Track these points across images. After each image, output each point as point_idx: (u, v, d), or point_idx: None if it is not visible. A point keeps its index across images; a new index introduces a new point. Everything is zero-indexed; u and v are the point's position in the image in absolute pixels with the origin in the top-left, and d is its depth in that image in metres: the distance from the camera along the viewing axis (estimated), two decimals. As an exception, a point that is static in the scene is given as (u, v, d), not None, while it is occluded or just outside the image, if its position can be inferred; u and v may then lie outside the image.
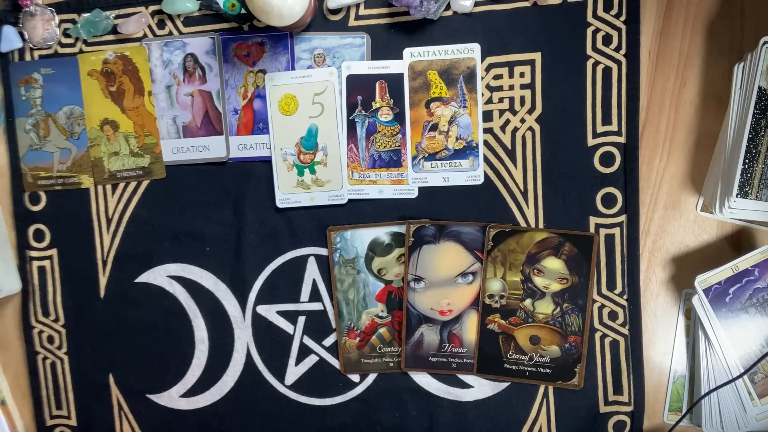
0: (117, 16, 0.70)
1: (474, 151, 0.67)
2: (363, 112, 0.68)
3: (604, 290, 0.67)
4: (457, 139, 0.67)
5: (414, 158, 0.68)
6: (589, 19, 0.65)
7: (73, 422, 0.75)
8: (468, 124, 0.67)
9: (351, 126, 0.68)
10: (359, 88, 0.68)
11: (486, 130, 0.67)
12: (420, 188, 0.68)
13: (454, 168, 0.67)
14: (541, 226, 0.67)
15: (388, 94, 0.67)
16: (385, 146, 0.68)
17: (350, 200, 0.69)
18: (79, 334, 0.74)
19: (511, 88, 0.66)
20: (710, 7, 0.65)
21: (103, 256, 0.73)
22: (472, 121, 0.67)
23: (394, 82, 0.67)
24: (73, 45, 0.72)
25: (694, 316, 0.65)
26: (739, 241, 0.66)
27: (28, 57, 0.72)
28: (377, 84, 0.67)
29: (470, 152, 0.67)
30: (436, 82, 0.66)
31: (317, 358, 0.72)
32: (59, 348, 0.75)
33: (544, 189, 0.67)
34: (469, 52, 0.66)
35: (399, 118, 0.68)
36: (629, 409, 0.68)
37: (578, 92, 0.66)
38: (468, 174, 0.67)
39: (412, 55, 0.67)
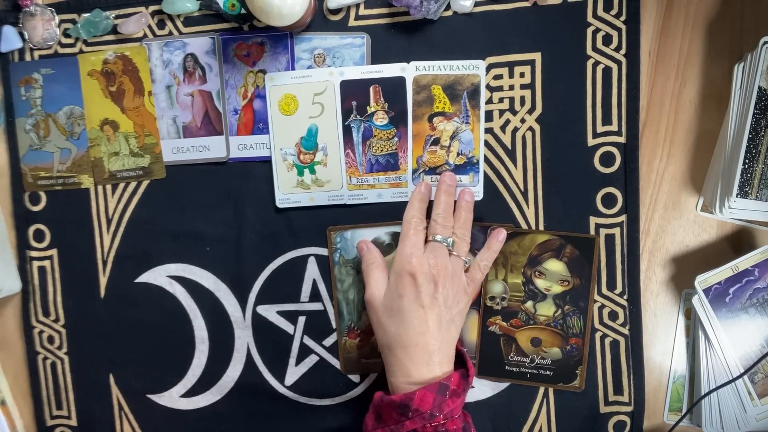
0: (117, 16, 0.70)
1: (475, 167, 0.67)
2: (358, 117, 0.68)
3: (604, 290, 0.67)
4: (458, 154, 0.67)
5: (414, 171, 0.68)
6: (589, 19, 0.65)
7: (74, 422, 0.75)
8: (470, 140, 0.67)
9: (347, 131, 0.68)
10: (353, 94, 0.68)
11: (486, 130, 0.67)
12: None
13: None
14: (541, 225, 0.67)
15: (382, 98, 0.67)
16: (381, 150, 0.68)
17: (350, 201, 0.70)
18: (79, 334, 0.74)
19: (511, 88, 0.66)
20: (710, 7, 0.65)
21: (103, 256, 0.73)
22: (474, 137, 0.67)
23: (387, 86, 0.67)
24: (73, 45, 0.72)
25: (694, 316, 0.65)
26: (739, 241, 0.66)
27: (28, 57, 0.72)
28: (371, 88, 0.67)
29: (471, 168, 0.67)
30: (440, 97, 0.67)
31: (317, 358, 0.72)
32: (59, 348, 0.75)
33: (544, 189, 0.67)
34: (474, 69, 0.66)
35: (394, 121, 0.68)
36: (629, 409, 0.68)
37: (578, 92, 0.66)
38: None
39: (417, 68, 0.66)
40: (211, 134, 0.70)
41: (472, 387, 0.69)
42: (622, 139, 0.66)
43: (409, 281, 0.60)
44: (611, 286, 0.67)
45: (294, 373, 0.72)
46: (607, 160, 0.66)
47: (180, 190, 0.72)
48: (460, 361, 0.63)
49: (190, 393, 0.74)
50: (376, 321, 0.62)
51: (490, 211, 0.68)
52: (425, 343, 0.59)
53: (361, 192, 0.69)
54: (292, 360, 0.72)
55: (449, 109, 0.67)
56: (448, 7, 0.66)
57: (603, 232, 0.67)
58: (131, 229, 0.73)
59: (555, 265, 0.67)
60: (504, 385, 0.69)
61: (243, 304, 0.72)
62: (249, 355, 0.72)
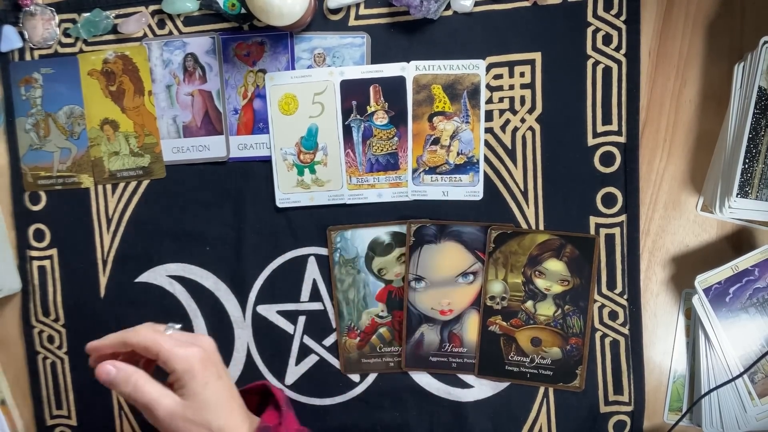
0: (117, 16, 0.70)
1: (475, 166, 0.67)
2: (358, 116, 0.68)
3: (604, 290, 0.67)
4: (458, 154, 0.67)
5: (414, 171, 0.68)
6: (589, 18, 0.65)
7: (74, 422, 0.75)
8: (470, 140, 0.67)
9: (347, 131, 0.68)
10: (353, 93, 0.68)
11: (486, 130, 0.67)
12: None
13: (454, 183, 0.67)
14: (541, 225, 0.67)
15: (382, 98, 0.67)
16: (381, 150, 0.68)
17: (350, 200, 0.70)
18: (80, 334, 0.74)
19: (511, 87, 0.67)
20: (710, 7, 0.65)
21: (103, 256, 0.73)
22: (474, 137, 0.67)
23: (388, 86, 0.67)
24: (73, 45, 0.72)
25: (694, 315, 0.65)
26: (739, 240, 0.66)
27: (28, 57, 0.72)
28: (371, 88, 0.67)
29: (471, 168, 0.67)
30: (440, 97, 0.67)
31: (317, 358, 0.72)
32: (59, 348, 0.75)
33: (544, 189, 0.67)
34: (474, 68, 0.66)
35: (394, 120, 0.68)
36: (629, 408, 0.68)
37: (578, 92, 0.66)
38: (467, 189, 0.67)
39: (417, 68, 0.66)
40: (211, 134, 0.70)
41: (471, 387, 0.70)
42: (622, 139, 0.66)
43: (202, 368, 0.54)
44: (611, 285, 0.67)
45: (294, 372, 0.72)
46: (607, 159, 0.66)
47: (180, 190, 0.72)
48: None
49: (190, 393, 0.73)
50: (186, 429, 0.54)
51: (490, 211, 0.68)
52: (239, 405, 0.58)
53: (361, 192, 0.69)
54: (292, 360, 0.72)
55: (449, 109, 0.67)
56: (448, 6, 0.66)
57: (603, 231, 0.67)
58: (131, 228, 0.73)
59: (555, 265, 0.67)
60: (504, 385, 0.69)
61: (243, 303, 0.72)
62: (249, 355, 0.72)
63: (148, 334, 0.55)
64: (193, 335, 0.59)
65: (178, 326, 0.60)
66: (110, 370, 0.55)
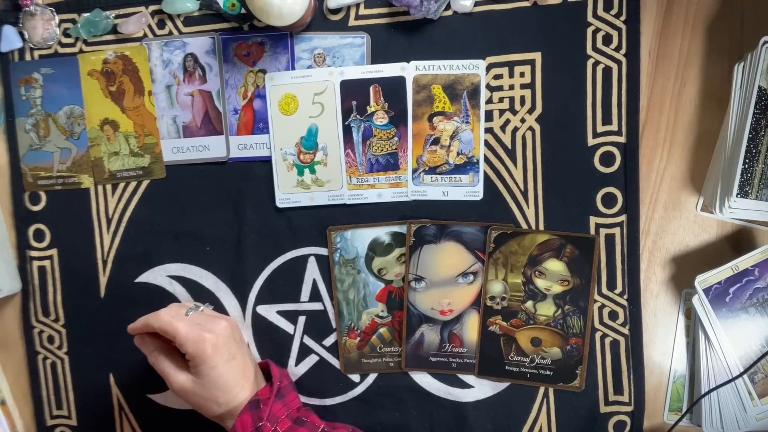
0: (117, 16, 0.70)
1: (475, 167, 0.67)
2: (358, 116, 0.68)
3: (604, 290, 0.67)
4: (458, 154, 0.67)
5: (414, 171, 0.68)
6: (589, 18, 0.65)
7: (74, 422, 0.75)
8: (470, 140, 0.67)
9: (347, 131, 0.68)
10: (353, 93, 0.68)
11: (486, 130, 0.67)
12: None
13: (454, 183, 0.67)
14: (541, 225, 0.67)
15: (382, 98, 0.67)
16: (381, 150, 0.68)
17: (350, 200, 0.70)
18: (80, 334, 0.74)
19: (511, 87, 0.67)
20: (710, 7, 0.65)
21: (103, 256, 0.73)
22: (474, 137, 0.67)
23: (388, 86, 0.67)
24: (73, 45, 0.72)
25: (694, 316, 0.65)
26: (739, 241, 0.66)
27: (28, 57, 0.72)
28: (371, 88, 0.67)
29: (471, 168, 0.67)
30: (440, 97, 0.67)
31: (317, 358, 0.72)
32: (59, 348, 0.75)
33: (544, 188, 0.67)
34: (474, 68, 0.66)
35: (394, 120, 0.68)
36: (629, 409, 0.68)
37: (578, 92, 0.66)
38: (467, 189, 0.67)
39: (417, 68, 0.66)
40: (211, 134, 0.70)
41: (471, 387, 0.70)
42: (622, 139, 0.66)
43: (213, 352, 0.61)
44: (611, 285, 0.67)
45: (294, 373, 0.72)
46: (607, 159, 0.66)
47: (180, 190, 0.72)
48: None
49: (190, 393, 0.73)
50: (195, 400, 0.63)
51: (490, 211, 0.68)
52: (251, 380, 0.64)
53: (361, 192, 0.69)
54: (292, 360, 0.72)
55: (449, 109, 0.67)
56: (448, 6, 0.66)
57: (603, 231, 0.67)
58: (131, 229, 0.73)
59: (555, 265, 0.67)
60: (504, 385, 0.69)
61: (243, 303, 0.72)
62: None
63: (165, 319, 0.61)
64: (212, 318, 0.64)
65: (202, 307, 0.66)
66: (140, 342, 0.65)
